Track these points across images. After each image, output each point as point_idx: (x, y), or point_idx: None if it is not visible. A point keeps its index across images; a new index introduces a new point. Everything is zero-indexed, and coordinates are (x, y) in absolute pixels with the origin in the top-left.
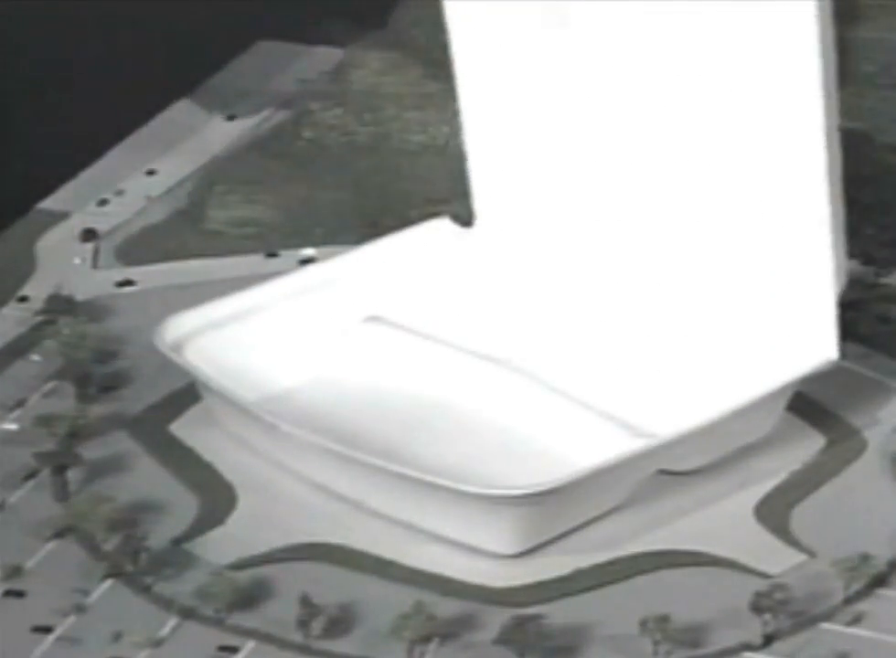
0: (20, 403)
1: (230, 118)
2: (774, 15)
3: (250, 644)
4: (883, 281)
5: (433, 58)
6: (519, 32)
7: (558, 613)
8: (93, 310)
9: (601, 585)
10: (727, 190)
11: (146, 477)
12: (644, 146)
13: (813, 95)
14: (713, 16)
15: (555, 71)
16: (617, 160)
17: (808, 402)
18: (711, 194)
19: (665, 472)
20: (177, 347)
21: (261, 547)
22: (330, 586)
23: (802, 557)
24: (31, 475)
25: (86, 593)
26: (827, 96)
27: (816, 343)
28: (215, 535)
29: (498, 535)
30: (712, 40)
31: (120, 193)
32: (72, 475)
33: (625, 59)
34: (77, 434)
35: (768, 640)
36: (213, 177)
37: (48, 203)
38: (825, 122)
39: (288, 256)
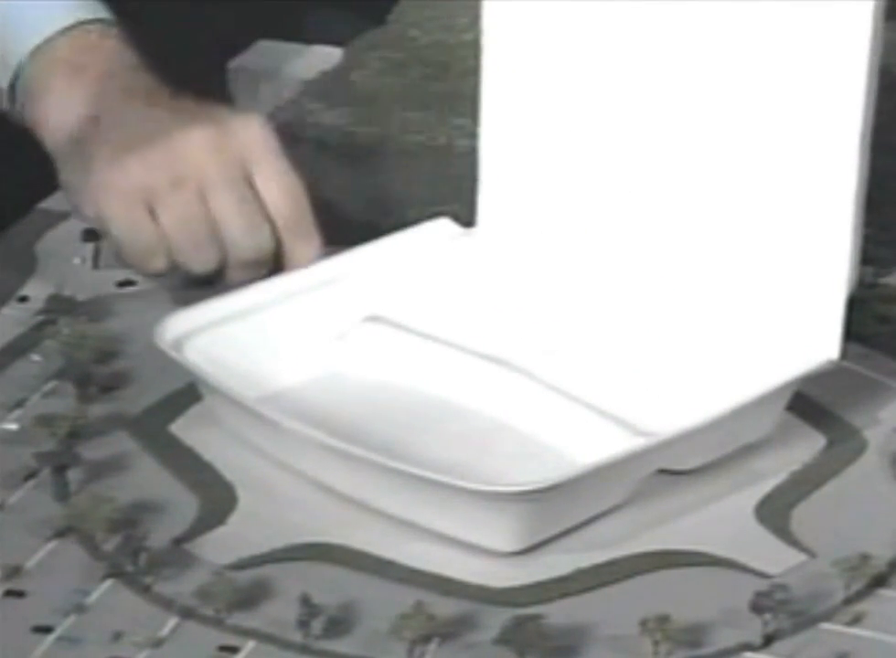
0: (20, 403)
1: None
2: (827, 12)
3: (250, 644)
4: (883, 280)
5: (434, 58)
6: (553, 34)
7: (558, 613)
8: (93, 310)
9: (601, 585)
10: (748, 188)
11: (146, 477)
12: (661, 146)
13: (855, 96)
14: (756, 12)
15: (583, 74)
16: (630, 160)
17: (808, 402)
18: (729, 193)
19: (665, 471)
20: (178, 346)
21: (261, 547)
22: (330, 586)
23: (802, 557)
24: (31, 475)
25: (86, 593)
26: (868, 97)
27: (817, 342)
28: (215, 535)
29: (499, 532)
30: (753, 36)
31: None
32: (72, 475)
33: (657, 65)
34: (77, 434)
35: (768, 640)
36: None
37: (49, 203)
38: (862, 124)
39: None
